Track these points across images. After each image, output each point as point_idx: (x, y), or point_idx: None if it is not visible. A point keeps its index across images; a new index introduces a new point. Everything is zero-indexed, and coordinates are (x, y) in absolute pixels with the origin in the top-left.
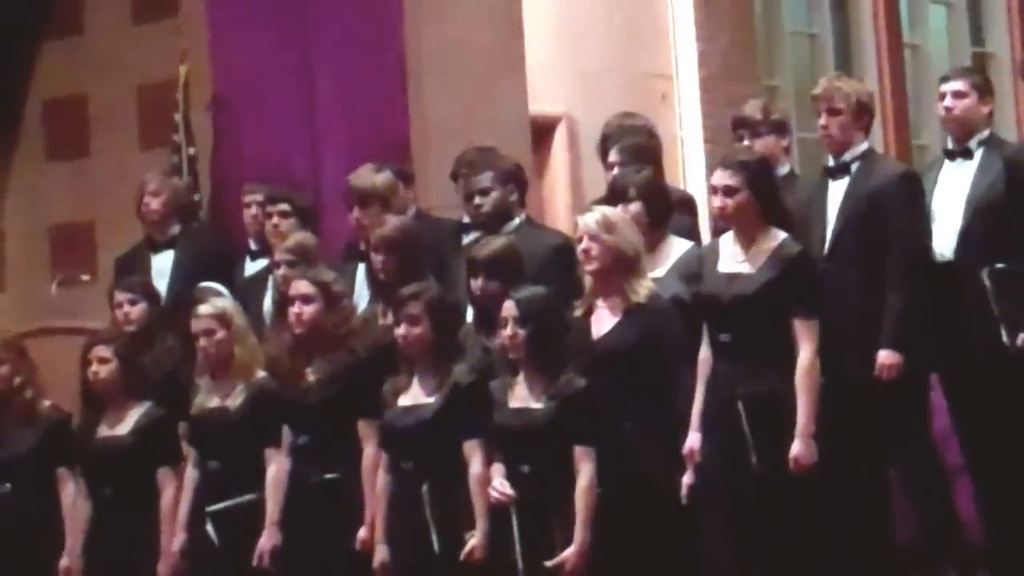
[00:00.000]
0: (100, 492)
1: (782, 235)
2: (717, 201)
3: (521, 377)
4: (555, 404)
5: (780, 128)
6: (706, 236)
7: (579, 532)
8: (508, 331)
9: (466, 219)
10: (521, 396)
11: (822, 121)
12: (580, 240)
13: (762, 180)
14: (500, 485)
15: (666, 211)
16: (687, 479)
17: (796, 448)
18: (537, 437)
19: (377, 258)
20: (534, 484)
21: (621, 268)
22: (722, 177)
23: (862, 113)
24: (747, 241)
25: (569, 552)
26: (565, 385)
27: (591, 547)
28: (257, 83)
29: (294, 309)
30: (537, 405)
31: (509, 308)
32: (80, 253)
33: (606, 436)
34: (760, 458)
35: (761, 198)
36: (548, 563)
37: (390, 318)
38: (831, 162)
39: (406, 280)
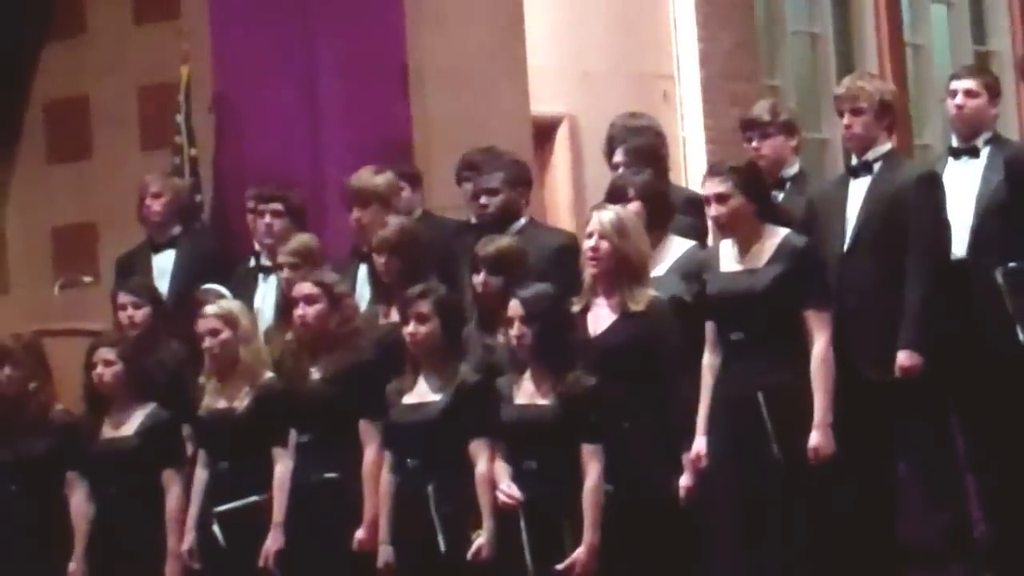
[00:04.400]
0: (104, 494)
1: (782, 230)
2: (712, 210)
3: (528, 375)
4: (563, 401)
5: (789, 128)
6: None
7: (587, 533)
8: (515, 330)
9: (472, 219)
10: (528, 393)
11: (845, 121)
12: (590, 236)
13: (753, 182)
14: (508, 488)
15: (666, 213)
16: (684, 481)
17: (815, 439)
18: (544, 434)
19: (379, 260)
20: (541, 481)
21: (624, 274)
22: (713, 185)
23: (885, 112)
24: (747, 243)
25: (578, 553)
26: (574, 383)
27: (600, 548)
28: (259, 84)
29: (298, 311)
30: (544, 402)
31: (515, 307)
32: (82, 255)
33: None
34: (781, 449)
35: (755, 199)
36: (559, 567)
37: (392, 318)
38: (853, 160)
39: (409, 281)
